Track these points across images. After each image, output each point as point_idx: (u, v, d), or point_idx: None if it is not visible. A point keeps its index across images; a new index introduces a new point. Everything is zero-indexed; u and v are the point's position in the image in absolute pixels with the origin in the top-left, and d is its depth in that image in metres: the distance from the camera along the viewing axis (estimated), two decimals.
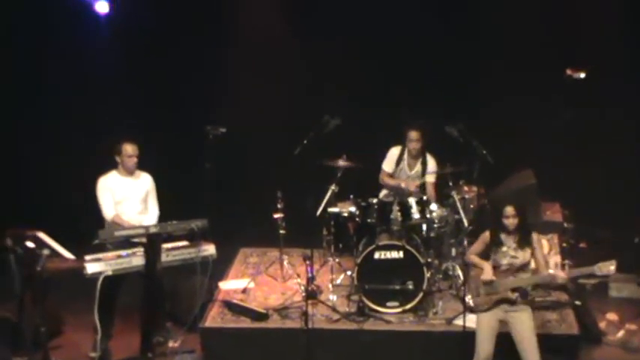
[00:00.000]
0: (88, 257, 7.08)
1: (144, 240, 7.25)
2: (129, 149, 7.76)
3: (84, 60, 9.74)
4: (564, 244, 8.69)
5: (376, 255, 7.88)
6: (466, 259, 7.13)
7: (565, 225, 8.83)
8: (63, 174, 9.63)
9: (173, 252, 7.32)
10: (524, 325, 6.80)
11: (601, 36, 9.23)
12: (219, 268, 8.28)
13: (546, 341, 6.98)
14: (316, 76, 9.84)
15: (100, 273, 6.96)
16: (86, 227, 7.54)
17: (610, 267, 6.64)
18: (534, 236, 6.89)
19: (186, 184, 9.13)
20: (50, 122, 9.84)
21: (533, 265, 6.89)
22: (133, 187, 7.90)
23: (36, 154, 9.82)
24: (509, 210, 6.76)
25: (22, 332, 7.26)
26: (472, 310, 7.16)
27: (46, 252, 6.90)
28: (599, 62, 9.08)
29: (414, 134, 8.52)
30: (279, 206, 8.47)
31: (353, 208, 8.30)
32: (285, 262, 8.74)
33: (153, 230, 7.15)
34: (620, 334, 7.83)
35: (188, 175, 9.07)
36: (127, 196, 7.86)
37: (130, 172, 7.85)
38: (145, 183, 7.97)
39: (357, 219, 8.26)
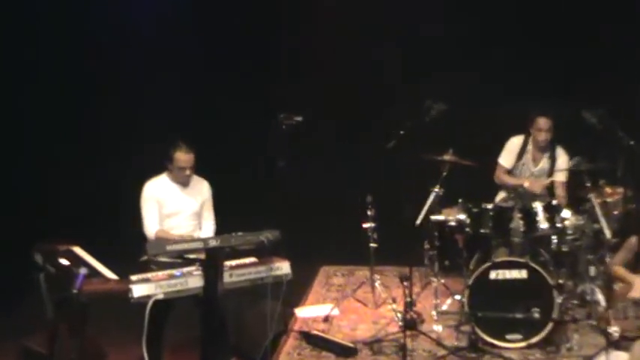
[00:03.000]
0: (134, 277, 6.78)
1: (202, 256, 6.91)
2: (181, 159, 7.59)
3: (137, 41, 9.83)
4: None
5: (492, 275, 7.55)
6: (610, 270, 6.82)
7: None
8: (103, 178, 9.60)
9: (238, 271, 6.97)
10: None
11: None
12: (295, 290, 8.07)
13: None
14: (414, 52, 9.49)
15: (148, 297, 6.62)
16: (131, 241, 7.37)
17: None
18: None
19: (254, 187, 8.94)
20: (88, 118, 9.85)
21: None
22: (187, 197, 7.73)
23: (70, 154, 9.75)
24: None
25: None
26: (618, 346, 6.65)
27: (83, 270, 6.67)
28: None
29: (543, 122, 8.16)
30: (369, 214, 8.22)
31: (462, 216, 7.92)
32: (377, 284, 8.49)
33: (213, 244, 6.80)
34: None
35: (256, 175, 8.95)
36: (179, 209, 7.70)
37: (182, 184, 7.73)
38: (200, 192, 7.78)
39: (468, 229, 7.91)
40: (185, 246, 6.99)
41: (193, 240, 7.20)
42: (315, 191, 9.75)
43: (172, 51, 9.84)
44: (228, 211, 7.90)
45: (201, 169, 7.73)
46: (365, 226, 8.31)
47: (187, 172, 7.63)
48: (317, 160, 9.72)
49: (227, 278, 6.96)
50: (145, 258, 7.33)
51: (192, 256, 7.16)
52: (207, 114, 9.76)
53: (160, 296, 6.71)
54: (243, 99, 9.78)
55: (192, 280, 6.85)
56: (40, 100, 9.94)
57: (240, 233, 6.93)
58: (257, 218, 7.32)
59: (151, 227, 7.58)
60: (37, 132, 9.89)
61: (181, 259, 7.17)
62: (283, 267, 7.12)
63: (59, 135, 9.85)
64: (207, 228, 7.83)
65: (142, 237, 7.59)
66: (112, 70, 9.84)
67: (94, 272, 6.82)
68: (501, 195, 8.47)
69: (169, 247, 6.92)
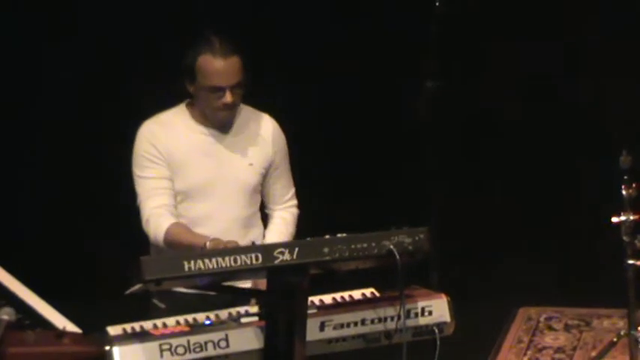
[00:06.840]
0: (113, 330, 5.69)
1: (260, 285, 5.96)
2: (213, 70, 6.29)
3: None
4: None
5: None
6: None
7: None
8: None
9: (339, 317, 5.73)
10: None
11: None
12: (461, 353, 7.15)
13: None
14: None
15: None
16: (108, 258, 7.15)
17: None
18: None
19: (380, 145, 8.23)
20: None
21: None
22: (228, 154, 6.46)
23: None
24: None
25: None
26: None
27: (6, 316, 5.56)
28: None
29: None
30: (624, 194, 6.81)
31: None
32: None
33: (283, 258, 5.65)
34: None
35: (378, 126, 8.15)
36: (211, 179, 6.44)
37: (219, 125, 6.43)
38: (260, 142, 6.50)
39: None
40: (224, 262, 5.63)
41: (241, 249, 5.79)
42: (504, 148, 8.65)
43: None
44: (322, 192, 7.45)
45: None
46: (615, 220, 6.79)
47: (229, 98, 6.05)
48: (505, 82, 8.37)
49: (315, 333, 5.72)
50: (137, 288, 5.80)
51: (240, 284, 6.04)
52: None
53: None
54: None
55: (240, 336, 5.71)
56: None
57: (343, 235, 5.64)
58: (382, 204, 7.63)
59: (155, 217, 6.25)
60: None
61: (217, 291, 6.03)
62: (436, 308, 5.89)
63: None
64: (282, 220, 6.48)
65: (134, 248, 6.27)
66: None
67: (29, 318, 5.75)
68: None
69: (188, 266, 5.61)
